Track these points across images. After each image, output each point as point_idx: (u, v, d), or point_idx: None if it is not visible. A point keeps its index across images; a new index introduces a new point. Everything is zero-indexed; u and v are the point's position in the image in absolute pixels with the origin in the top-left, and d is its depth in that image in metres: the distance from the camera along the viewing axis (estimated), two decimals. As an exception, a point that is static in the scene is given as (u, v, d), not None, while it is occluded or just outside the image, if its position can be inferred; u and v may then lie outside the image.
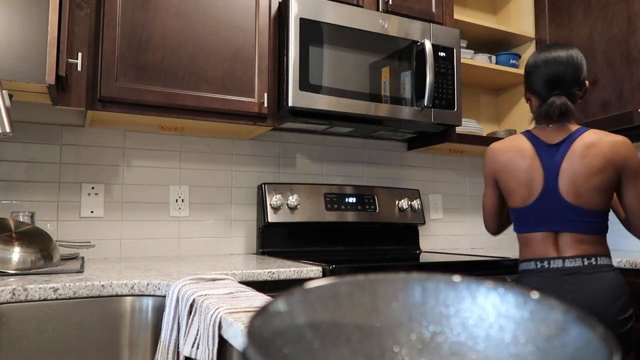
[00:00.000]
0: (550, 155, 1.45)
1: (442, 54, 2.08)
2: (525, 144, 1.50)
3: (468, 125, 2.36)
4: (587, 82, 1.52)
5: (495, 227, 1.65)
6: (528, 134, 1.52)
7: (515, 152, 1.50)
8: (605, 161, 1.39)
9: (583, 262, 1.39)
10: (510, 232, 2.82)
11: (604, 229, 1.43)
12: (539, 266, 1.44)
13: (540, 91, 1.50)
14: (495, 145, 1.58)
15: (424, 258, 1.96)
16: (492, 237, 2.76)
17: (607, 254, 1.42)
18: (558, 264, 1.41)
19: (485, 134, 2.60)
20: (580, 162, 1.41)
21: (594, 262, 1.39)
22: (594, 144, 1.41)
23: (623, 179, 1.42)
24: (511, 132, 2.58)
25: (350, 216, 2.18)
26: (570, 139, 1.45)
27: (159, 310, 1.21)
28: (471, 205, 2.72)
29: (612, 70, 2.15)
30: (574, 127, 1.48)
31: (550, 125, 1.49)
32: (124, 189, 1.95)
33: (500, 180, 1.54)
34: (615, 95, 2.14)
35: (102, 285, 1.17)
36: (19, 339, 1.07)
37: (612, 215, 2.61)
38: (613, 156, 1.40)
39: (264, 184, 2.08)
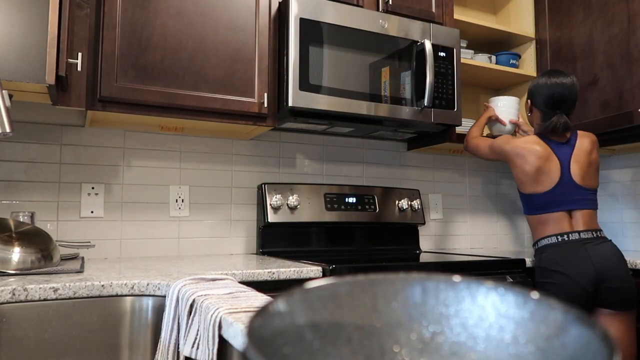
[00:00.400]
0: (561, 150, 1.85)
1: (442, 54, 2.08)
2: (543, 147, 1.85)
3: (468, 125, 2.36)
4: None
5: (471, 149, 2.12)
6: (540, 136, 1.89)
7: (537, 151, 1.84)
8: (593, 148, 1.88)
9: (593, 234, 1.78)
10: (509, 232, 2.82)
11: (597, 204, 1.88)
12: (559, 239, 1.77)
13: (545, 109, 1.88)
14: (518, 141, 1.89)
15: (424, 258, 1.96)
16: (491, 237, 2.76)
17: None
18: (575, 236, 1.76)
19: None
20: (582, 153, 1.85)
21: (599, 234, 1.79)
22: (585, 139, 1.89)
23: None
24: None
25: (350, 216, 2.18)
26: (573, 137, 1.89)
27: (159, 310, 1.20)
28: (471, 205, 2.72)
29: (612, 70, 2.15)
30: (569, 133, 1.92)
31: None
32: (124, 189, 1.95)
33: (516, 162, 1.87)
34: (615, 95, 2.14)
35: (102, 285, 1.17)
36: (19, 339, 1.07)
37: (613, 221, 2.62)
38: (594, 145, 1.89)
39: (264, 184, 2.08)
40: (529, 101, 1.97)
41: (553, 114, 1.85)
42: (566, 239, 1.77)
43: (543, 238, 1.82)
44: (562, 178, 1.82)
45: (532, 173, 1.83)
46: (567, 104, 1.85)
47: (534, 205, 1.86)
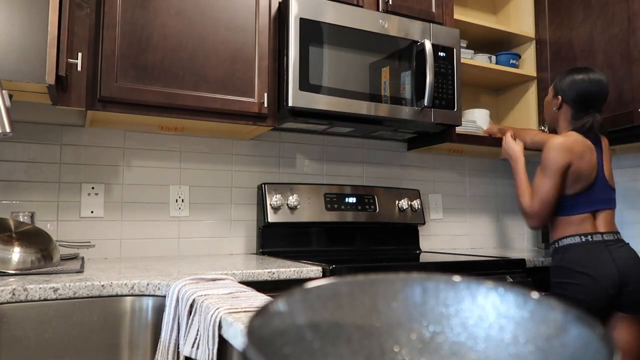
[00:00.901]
0: (597, 150, 1.83)
1: (442, 54, 2.08)
2: (587, 141, 1.82)
3: (468, 125, 2.36)
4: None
5: (548, 216, 1.81)
6: (581, 134, 1.84)
7: (585, 145, 1.80)
8: (607, 149, 1.88)
9: (614, 236, 1.76)
10: (509, 232, 2.82)
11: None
12: (583, 240, 1.74)
13: (578, 106, 1.83)
14: (567, 138, 1.79)
15: (424, 258, 1.96)
16: (491, 237, 2.76)
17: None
18: (598, 237, 1.74)
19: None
20: (607, 151, 1.87)
21: (619, 237, 1.78)
22: (603, 137, 1.90)
23: None
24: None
25: (350, 216, 2.18)
26: (599, 137, 1.88)
27: (159, 310, 1.20)
28: (471, 205, 2.72)
29: (612, 70, 2.15)
30: None
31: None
32: (124, 189, 1.95)
33: (575, 166, 1.76)
34: (615, 95, 2.14)
35: (102, 285, 1.17)
36: (19, 339, 1.07)
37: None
38: (607, 144, 1.91)
39: (264, 184, 2.08)
40: (559, 97, 1.87)
41: (586, 112, 1.81)
42: (590, 239, 1.74)
43: (565, 237, 1.78)
44: (597, 177, 1.80)
45: (583, 173, 1.77)
46: (600, 102, 1.82)
47: (570, 205, 1.80)
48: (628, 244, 1.76)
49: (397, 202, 2.32)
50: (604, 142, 1.89)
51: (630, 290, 1.67)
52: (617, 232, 1.79)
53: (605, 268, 1.68)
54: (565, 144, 1.76)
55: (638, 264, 1.71)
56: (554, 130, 2.00)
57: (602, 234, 1.75)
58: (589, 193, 1.78)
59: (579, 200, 1.78)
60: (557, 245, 1.81)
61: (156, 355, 1.04)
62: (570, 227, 1.77)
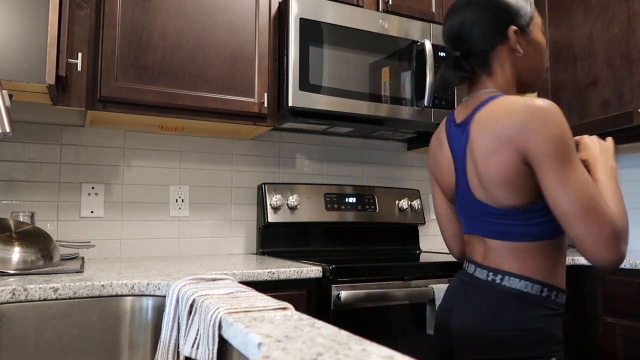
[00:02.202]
0: (457, 140, 1.14)
1: (442, 54, 2.08)
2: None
3: (468, 125, 2.36)
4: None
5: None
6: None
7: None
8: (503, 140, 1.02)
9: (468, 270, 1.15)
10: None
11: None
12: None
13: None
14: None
15: (424, 258, 1.96)
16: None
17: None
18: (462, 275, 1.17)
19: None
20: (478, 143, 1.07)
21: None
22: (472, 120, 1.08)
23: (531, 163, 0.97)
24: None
25: (350, 216, 2.18)
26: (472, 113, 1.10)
27: (159, 310, 1.20)
28: (471, 205, 2.72)
29: (612, 70, 2.15)
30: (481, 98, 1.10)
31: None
32: (124, 189, 1.95)
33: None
34: (615, 95, 2.14)
35: (102, 285, 1.17)
36: (19, 339, 1.07)
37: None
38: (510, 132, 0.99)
39: (264, 184, 2.08)
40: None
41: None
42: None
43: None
44: (456, 185, 1.29)
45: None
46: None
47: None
48: None
49: (397, 202, 2.32)
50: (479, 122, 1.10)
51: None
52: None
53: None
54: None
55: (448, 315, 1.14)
56: None
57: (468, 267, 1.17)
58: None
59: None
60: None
61: (156, 355, 1.04)
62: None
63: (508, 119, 0.98)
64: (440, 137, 1.20)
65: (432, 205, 2.58)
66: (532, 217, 1.00)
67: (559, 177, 0.93)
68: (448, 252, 2.35)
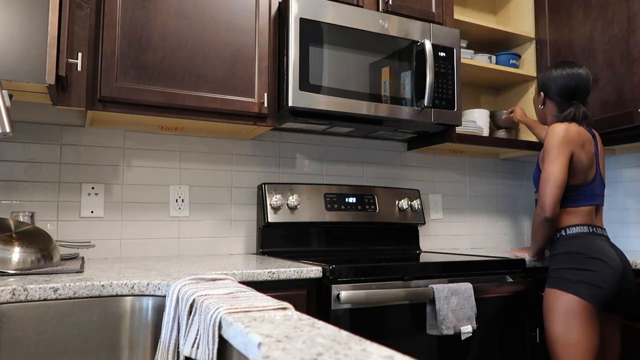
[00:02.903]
0: (594, 144, 1.83)
1: (442, 54, 2.08)
2: (587, 133, 1.80)
3: (468, 126, 2.36)
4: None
5: (558, 202, 1.72)
6: (580, 124, 1.81)
7: (585, 136, 1.78)
8: (602, 146, 1.88)
9: (605, 232, 1.79)
10: (509, 232, 2.82)
11: None
12: (591, 230, 1.74)
13: (560, 99, 1.85)
14: (570, 126, 1.77)
15: (424, 258, 1.96)
16: (491, 237, 2.76)
17: None
18: (599, 231, 1.76)
19: (485, 134, 2.60)
20: (601, 150, 1.87)
21: (607, 233, 1.81)
22: (597, 133, 1.89)
23: None
24: (510, 132, 2.58)
25: (350, 216, 2.18)
26: (594, 133, 1.87)
27: (159, 310, 1.20)
28: (471, 205, 2.72)
29: (612, 70, 2.15)
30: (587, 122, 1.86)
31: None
32: (124, 189, 1.95)
33: (577, 155, 1.74)
34: (615, 95, 2.14)
35: (102, 285, 1.17)
36: (19, 339, 1.07)
37: (614, 221, 2.62)
38: (601, 142, 1.90)
39: (264, 184, 2.08)
40: (541, 94, 1.92)
41: (569, 104, 1.82)
42: (596, 231, 1.74)
43: (573, 226, 1.75)
44: (597, 171, 1.80)
45: (583, 164, 1.76)
46: (582, 94, 1.82)
47: (574, 196, 1.77)
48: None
49: (397, 202, 2.32)
50: (599, 139, 1.88)
51: (622, 286, 1.65)
52: (604, 229, 1.81)
53: (615, 259, 1.65)
54: (568, 131, 1.74)
55: (629, 263, 1.72)
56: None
57: (601, 228, 1.77)
58: (590, 186, 1.77)
59: (583, 191, 1.77)
60: (564, 234, 1.76)
61: (156, 355, 1.04)
62: (577, 217, 1.76)
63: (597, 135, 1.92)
64: (588, 135, 1.81)
65: (436, 204, 2.58)
66: None
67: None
68: (448, 252, 2.35)
